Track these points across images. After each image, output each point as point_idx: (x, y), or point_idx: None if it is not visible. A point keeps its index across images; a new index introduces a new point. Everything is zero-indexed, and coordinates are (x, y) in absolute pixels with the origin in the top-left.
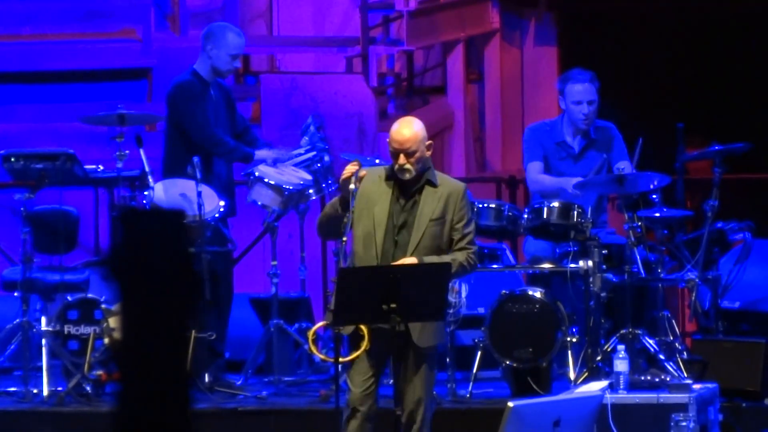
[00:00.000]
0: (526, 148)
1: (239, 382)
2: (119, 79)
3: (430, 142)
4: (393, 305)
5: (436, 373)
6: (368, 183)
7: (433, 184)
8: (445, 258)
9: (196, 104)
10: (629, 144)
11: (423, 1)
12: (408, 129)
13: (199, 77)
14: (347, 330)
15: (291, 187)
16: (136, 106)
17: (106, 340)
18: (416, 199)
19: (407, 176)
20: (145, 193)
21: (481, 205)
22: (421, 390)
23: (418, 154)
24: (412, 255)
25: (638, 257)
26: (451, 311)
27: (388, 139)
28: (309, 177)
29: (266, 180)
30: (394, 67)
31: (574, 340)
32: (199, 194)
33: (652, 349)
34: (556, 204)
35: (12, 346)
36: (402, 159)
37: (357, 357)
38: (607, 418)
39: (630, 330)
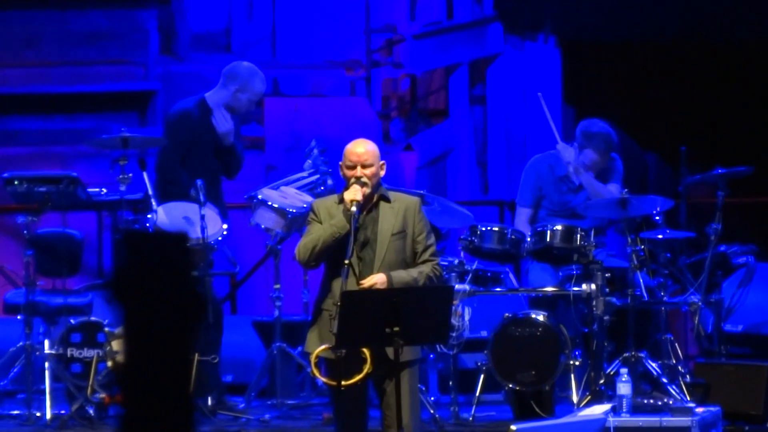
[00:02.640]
0: (523, 184)
1: (242, 405)
2: (122, 102)
3: (383, 162)
4: (396, 328)
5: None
6: (325, 209)
7: (388, 200)
8: (412, 272)
9: (176, 138)
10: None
11: (426, 24)
12: (364, 145)
13: (204, 106)
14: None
15: (294, 210)
16: (139, 129)
17: (109, 363)
18: (374, 215)
19: (365, 191)
20: (148, 216)
21: (484, 228)
22: (409, 407)
23: (373, 169)
24: (379, 271)
25: (641, 281)
26: (454, 334)
27: (342, 160)
28: (312, 200)
29: (269, 203)
30: (397, 90)
31: (577, 363)
32: (203, 217)
33: (654, 373)
34: (559, 227)
35: (15, 369)
36: (359, 170)
37: (360, 380)
38: None
39: (633, 353)
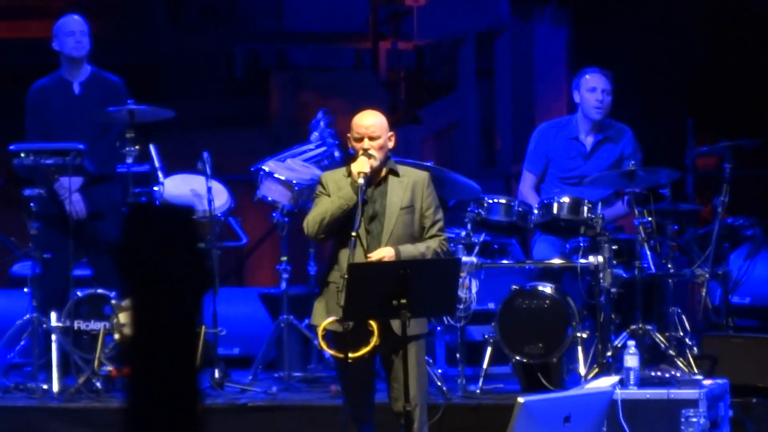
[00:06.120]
0: (531, 151)
1: (249, 378)
2: (128, 75)
3: (392, 134)
4: (403, 301)
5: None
6: (333, 182)
7: (397, 174)
8: (420, 246)
9: None
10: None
11: None
12: (372, 116)
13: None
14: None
15: (301, 183)
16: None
17: (116, 336)
18: (383, 188)
19: (372, 163)
20: (155, 188)
21: (491, 201)
22: (416, 380)
23: (381, 141)
24: (386, 245)
25: (648, 253)
26: (461, 307)
27: (349, 132)
28: (319, 172)
29: (276, 176)
30: (404, 63)
31: (585, 335)
32: (209, 190)
33: (662, 345)
34: (566, 199)
35: (22, 342)
36: (367, 142)
37: (367, 352)
38: (618, 414)
39: (640, 326)
